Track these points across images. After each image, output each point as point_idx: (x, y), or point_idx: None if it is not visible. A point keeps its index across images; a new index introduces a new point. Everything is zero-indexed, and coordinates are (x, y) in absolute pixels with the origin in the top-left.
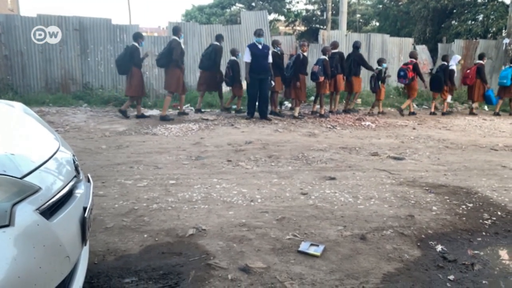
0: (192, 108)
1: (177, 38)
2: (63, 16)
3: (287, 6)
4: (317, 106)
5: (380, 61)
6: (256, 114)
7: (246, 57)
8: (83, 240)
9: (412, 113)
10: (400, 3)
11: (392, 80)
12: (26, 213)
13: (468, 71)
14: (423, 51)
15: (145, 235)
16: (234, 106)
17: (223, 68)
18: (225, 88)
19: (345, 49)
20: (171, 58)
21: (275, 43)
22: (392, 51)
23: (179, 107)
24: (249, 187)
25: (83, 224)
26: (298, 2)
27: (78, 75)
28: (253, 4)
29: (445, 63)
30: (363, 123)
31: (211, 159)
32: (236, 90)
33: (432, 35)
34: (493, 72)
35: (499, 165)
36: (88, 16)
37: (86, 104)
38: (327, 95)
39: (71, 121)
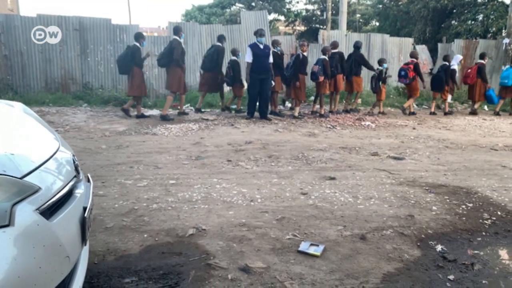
0: (192, 108)
1: (178, 38)
2: (63, 16)
3: (287, 6)
4: (317, 106)
5: (380, 61)
6: (256, 114)
7: (247, 57)
8: (83, 240)
9: (412, 113)
10: (400, 3)
11: (392, 80)
12: (26, 213)
13: (469, 70)
14: (423, 51)
15: (145, 235)
16: (234, 106)
17: (224, 68)
18: (226, 88)
19: (345, 49)
20: (172, 57)
21: (275, 43)
22: (392, 51)
23: (179, 107)
24: (249, 187)
25: (83, 224)
26: (298, 2)
27: (78, 75)
28: (253, 4)
29: (447, 63)
30: (363, 123)
31: (211, 159)
32: (236, 90)
33: (432, 35)
34: (493, 72)
35: (499, 165)
36: (88, 16)
37: (86, 104)
38: (327, 95)
39: (71, 121)
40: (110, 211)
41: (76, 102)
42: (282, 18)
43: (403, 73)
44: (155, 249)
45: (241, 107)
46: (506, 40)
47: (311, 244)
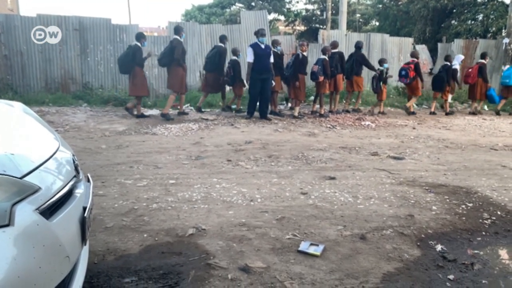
0: (192, 107)
1: (178, 37)
2: (63, 16)
3: (287, 6)
4: (317, 106)
5: (381, 62)
6: (256, 113)
7: (249, 57)
8: (83, 239)
9: (412, 113)
10: (400, 3)
11: (392, 80)
12: (25, 213)
13: (470, 70)
14: (422, 51)
15: (145, 235)
16: (234, 106)
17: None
18: (226, 88)
19: (345, 48)
20: (173, 57)
21: (275, 43)
22: (392, 50)
23: (179, 107)
24: (249, 187)
25: (83, 223)
26: (298, 2)
27: (78, 75)
28: (253, 3)
29: (448, 63)
30: (363, 122)
31: (211, 159)
32: (236, 90)
33: (432, 34)
34: (493, 71)
35: (499, 165)
36: (88, 16)
37: (86, 104)
38: (327, 94)
39: (70, 121)
40: (110, 211)
41: (76, 102)
42: (282, 18)
43: (403, 72)
44: (155, 249)
45: (241, 107)
46: (506, 40)
47: (311, 244)
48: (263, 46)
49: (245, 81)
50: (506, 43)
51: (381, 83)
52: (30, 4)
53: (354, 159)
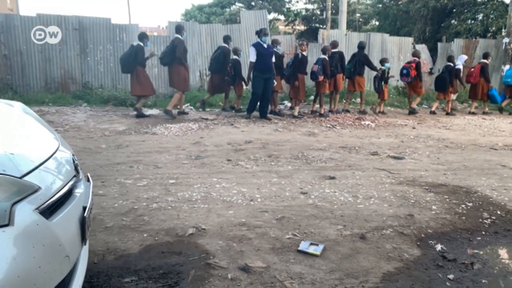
0: (192, 107)
1: (180, 36)
2: (63, 15)
3: (287, 6)
4: (317, 106)
5: (382, 61)
6: (256, 113)
7: (252, 56)
8: (83, 239)
9: (412, 112)
10: (399, 2)
11: (392, 80)
12: (25, 212)
13: (472, 69)
14: (422, 51)
15: (145, 235)
16: (231, 106)
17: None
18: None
19: (345, 48)
20: (174, 56)
21: (274, 42)
22: (392, 50)
23: (178, 107)
24: (249, 187)
25: (83, 223)
26: (297, 2)
27: (77, 75)
28: (253, 3)
29: (451, 64)
30: (362, 122)
31: (210, 159)
32: (237, 89)
33: (432, 34)
34: (492, 71)
35: (498, 164)
36: (88, 15)
37: (85, 103)
38: (327, 94)
39: (70, 121)
40: (109, 211)
41: (75, 101)
42: (282, 17)
43: (405, 71)
44: (155, 248)
45: (241, 107)
46: (506, 40)
47: (311, 244)
48: (265, 46)
49: (246, 81)
50: (506, 42)
51: (383, 82)
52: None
53: (354, 158)
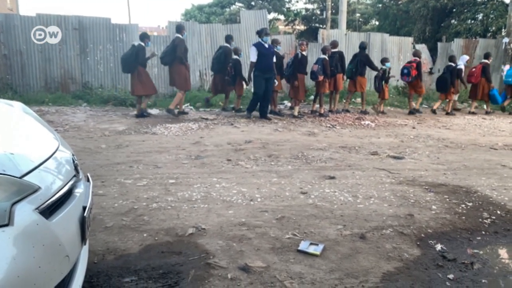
0: (192, 107)
1: (180, 36)
2: (63, 15)
3: (287, 5)
4: (317, 105)
5: (383, 61)
6: (256, 113)
7: (252, 56)
8: (83, 239)
9: (412, 112)
10: (399, 2)
11: (392, 80)
12: (25, 212)
13: (473, 69)
14: (422, 50)
15: (145, 234)
16: (233, 105)
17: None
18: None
19: (345, 48)
20: (175, 55)
21: (274, 42)
22: (392, 50)
23: (178, 107)
24: (249, 186)
25: (83, 223)
26: (297, 1)
27: (77, 75)
28: (253, 3)
29: (452, 64)
30: (362, 122)
31: (210, 158)
32: (237, 89)
33: (432, 34)
34: (492, 71)
35: (498, 164)
36: (88, 15)
37: (85, 103)
38: (327, 94)
39: (70, 121)
40: (109, 211)
41: (75, 101)
42: (281, 17)
43: (405, 71)
44: (155, 248)
45: (241, 107)
46: (506, 39)
47: (311, 243)
48: (266, 46)
49: (247, 81)
50: (505, 42)
51: (383, 82)
52: (29, 4)
53: (354, 158)
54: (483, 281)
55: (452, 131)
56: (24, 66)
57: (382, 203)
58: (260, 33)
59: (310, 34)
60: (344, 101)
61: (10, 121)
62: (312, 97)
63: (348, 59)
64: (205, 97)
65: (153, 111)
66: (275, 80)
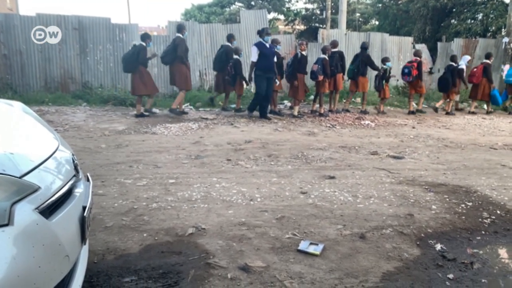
0: (192, 107)
1: (181, 35)
2: (62, 15)
3: (287, 5)
4: (317, 105)
5: (384, 60)
6: (256, 113)
7: (253, 56)
8: (83, 239)
9: (411, 112)
10: (399, 2)
11: (392, 79)
12: (25, 212)
13: (475, 69)
14: (422, 50)
15: (145, 234)
16: (233, 106)
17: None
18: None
19: (345, 48)
20: (176, 55)
21: (274, 42)
22: (392, 50)
23: (178, 106)
24: (249, 186)
25: (83, 223)
26: (297, 1)
27: (77, 74)
28: (253, 3)
29: (453, 63)
30: (362, 122)
31: (210, 158)
32: (237, 89)
33: (432, 34)
34: (492, 70)
35: (498, 164)
36: (87, 15)
37: (85, 103)
38: (327, 94)
39: (70, 120)
40: (109, 210)
41: (75, 101)
42: (281, 17)
43: (406, 70)
44: (155, 248)
45: (241, 106)
46: (506, 39)
47: (311, 243)
48: (268, 45)
49: (247, 81)
50: (505, 42)
51: (384, 81)
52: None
53: (354, 158)
54: (483, 280)
55: (452, 131)
56: (24, 66)
57: (382, 203)
58: (261, 33)
59: (310, 34)
60: (344, 101)
61: (10, 121)
62: (312, 97)
63: (348, 59)
64: (209, 97)
65: (153, 111)
66: (276, 80)
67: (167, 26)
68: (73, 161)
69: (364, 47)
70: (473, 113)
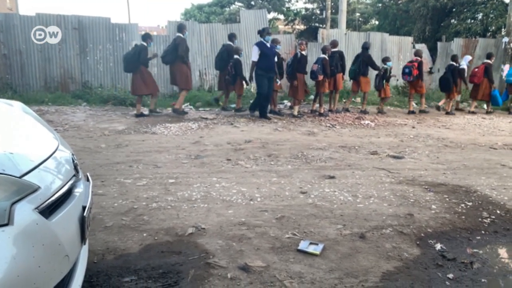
0: (192, 107)
1: (181, 35)
2: (62, 15)
3: (287, 5)
4: (317, 105)
5: (385, 60)
6: (255, 112)
7: (254, 56)
8: (83, 239)
9: (411, 112)
10: (399, 2)
11: (392, 79)
12: (25, 212)
13: (476, 69)
14: (422, 50)
15: (145, 234)
16: (233, 105)
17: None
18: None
19: (345, 47)
20: (176, 54)
21: (274, 42)
22: (392, 49)
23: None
24: (249, 186)
25: (82, 223)
26: (297, 1)
27: (77, 74)
28: (253, 2)
29: (453, 63)
30: (362, 122)
31: (210, 158)
32: (237, 89)
33: (432, 33)
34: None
35: (498, 164)
36: (87, 15)
37: (85, 103)
38: (327, 94)
39: (70, 120)
40: (109, 210)
41: (75, 101)
42: (281, 17)
43: (407, 70)
44: (155, 248)
45: (241, 106)
46: (506, 39)
47: (311, 243)
48: (268, 45)
49: (248, 80)
50: (505, 42)
51: (384, 81)
52: (29, 4)
53: (354, 158)
54: (483, 280)
55: (452, 130)
56: (23, 65)
57: (381, 202)
58: (262, 32)
59: (310, 34)
60: (345, 101)
61: (10, 120)
62: (312, 96)
63: (348, 58)
64: (214, 97)
65: (158, 110)
66: (277, 80)
67: (167, 26)
68: (73, 161)
69: (366, 47)
70: (473, 113)
